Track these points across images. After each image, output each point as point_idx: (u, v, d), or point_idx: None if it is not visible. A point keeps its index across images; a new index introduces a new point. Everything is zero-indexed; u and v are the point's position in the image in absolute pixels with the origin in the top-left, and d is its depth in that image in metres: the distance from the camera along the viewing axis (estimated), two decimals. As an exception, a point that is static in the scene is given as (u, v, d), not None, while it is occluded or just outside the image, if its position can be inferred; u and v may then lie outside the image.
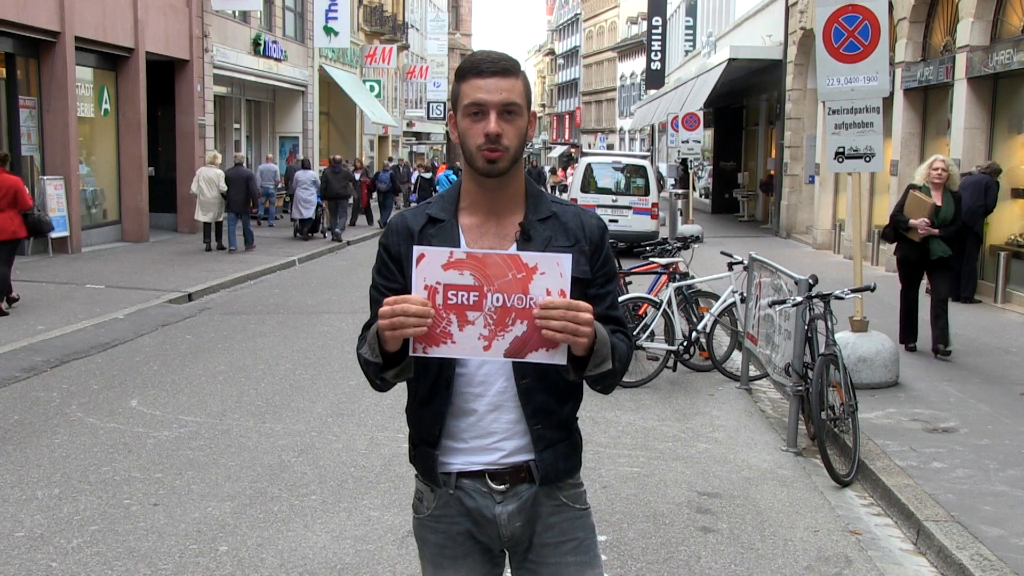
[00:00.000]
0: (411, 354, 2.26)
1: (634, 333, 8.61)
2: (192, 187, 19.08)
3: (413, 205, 2.62)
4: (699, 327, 9.27)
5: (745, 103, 33.41)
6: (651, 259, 10.07)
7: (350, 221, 23.71)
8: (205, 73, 22.92)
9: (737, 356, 9.46)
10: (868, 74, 8.47)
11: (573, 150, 75.11)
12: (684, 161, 26.74)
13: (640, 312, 9.18)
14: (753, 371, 8.95)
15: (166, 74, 21.88)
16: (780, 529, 5.49)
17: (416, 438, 2.54)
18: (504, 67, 2.35)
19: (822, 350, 6.96)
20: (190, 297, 13.60)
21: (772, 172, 27.37)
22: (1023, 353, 10.01)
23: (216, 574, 4.73)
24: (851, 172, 8.89)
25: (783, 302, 7.21)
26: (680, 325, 9.12)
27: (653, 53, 48.11)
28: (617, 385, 2.47)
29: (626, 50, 68.50)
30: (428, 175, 31.18)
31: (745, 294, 9.06)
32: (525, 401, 2.41)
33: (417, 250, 2.23)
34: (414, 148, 55.95)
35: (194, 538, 5.15)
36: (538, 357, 2.24)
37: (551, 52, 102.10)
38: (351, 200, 24.58)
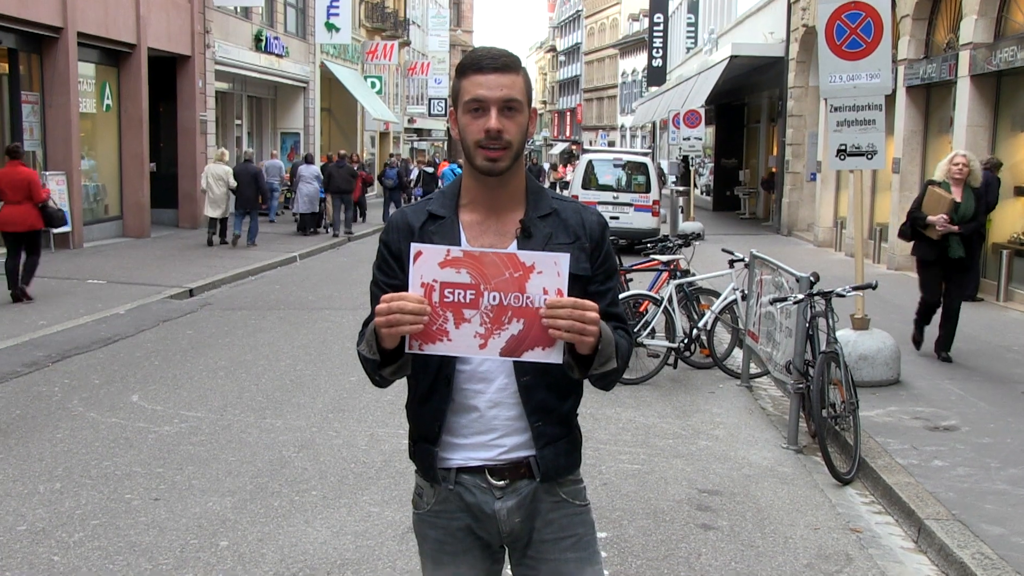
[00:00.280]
0: (407, 351, 2.27)
1: (635, 330, 8.61)
2: (201, 183, 19.23)
3: (417, 200, 2.62)
4: (700, 324, 9.27)
5: (747, 100, 33.40)
6: (652, 256, 10.06)
7: (354, 216, 23.79)
8: (207, 69, 22.92)
9: (738, 353, 9.46)
10: (870, 71, 8.46)
11: (574, 147, 75.10)
12: (685, 158, 26.72)
13: (641, 309, 9.18)
14: (754, 368, 8.95)
15: (168, 70, 21.88)
16: (780, 527, 5.49)
17: (416, 434, 2.54)
18: (505, 63, 2.35)
19: (823, 348, 6.96)
20: (191, 293, 13.61)
21: (773, 169, 27.36)
22: (1024, 351, 10.00)
23: (217, 569, 4.74)
24: (853, 169, 8.88)
25: (784, 299, 7.21)
26: (681, 322, 9.12)
27: (655, 50, 48.08)
28: (618, 382, 2.47)
29: (628, 47, 68.44)
30: (431, 170, 31.21)
31: (746, 291, 9.05)
32: (526, 398, 2.41)
33: (414, 247, 2.23)
34: (415, 144, 55.94)
35: (195, 533, 5.16)
36: (534, 356, 2.25)
37: (552, 49, 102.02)
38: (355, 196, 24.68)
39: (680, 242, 10.24)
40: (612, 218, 19.05)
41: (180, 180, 22.38)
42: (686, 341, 9.15)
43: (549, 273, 2.20)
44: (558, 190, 30.89)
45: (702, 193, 37.48)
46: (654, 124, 45.97)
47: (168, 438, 6.83)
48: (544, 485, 2.48)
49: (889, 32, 8.46)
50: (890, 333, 8.84)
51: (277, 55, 27.69)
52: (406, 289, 2.24)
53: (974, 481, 6.03)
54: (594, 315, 2.20)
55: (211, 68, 23.19)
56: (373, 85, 38.99)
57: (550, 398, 2.43)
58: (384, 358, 2.32)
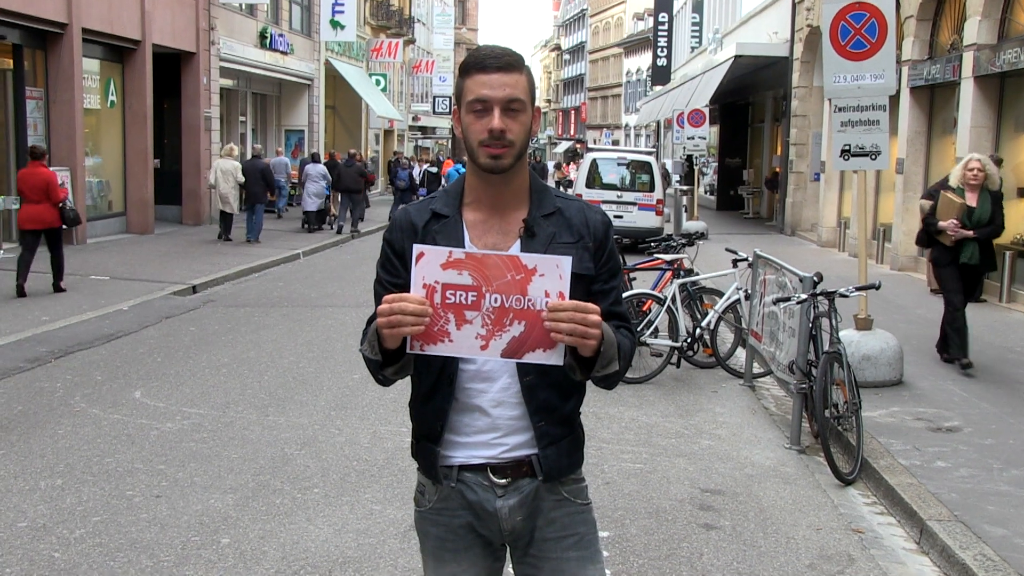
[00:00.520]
0: (408, 351, 2.27)
1: (638, 329, 8.61)
2: (210, 179, 19.50)
3: (420, 199, 2.63)
4: (703, 324, 9.26)
5: (751, 100, 33.36)
6: (656, 255, 10.06)
7: (361, 215, 23.93)
8: (211, 66, 22.93)
9: (741, 353, 9.45)
10: (875, 72, 8.45)
11: (579, 146, 75.07)
12: (689, 158, 26.68)
13: (644, 308, 9.17)
14: (757, 368, 8.94)
15: (172, 66, 21.89)
16: (783, 527, 5.49)
17: (418, 433, 2.54)
18: (507, 62, 2.35)
19: (826, 348, 6.96)
20: (194, 289, 13.62)
21: (777, 169, 27.32)
22: (1028, 353, 9.98)
23: (218, 566, 4.74)
24: (857, 170, 8.87)
25: (787, 299, 7.20)
26: (684, 322, 9.12)
27: (659, 49, 48.01)
28: (620, 381, 2.47)
29: (632, 46, 68.39)
30: (434, 169, 31.20)
31: (749, 291, 9.05)
32: (528, 398, 2.41)
33: (416, 248, 2.23)
34: (419, 142, 55.94)
35: (196, 530, 5.16)
36: (535, 357, 2.25)
37: (557, 48, 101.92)
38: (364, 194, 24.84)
39: (684, 241, 10.23)
40: (616, 217, 19.04)
41: (184, 177, 22.40)
42: (689, 340, 9.14)
43: (551, 276, 2.20)
44: (562, 189, 30.88)
45: (706, 192, 37.41)
46: (658, 123, 45.95)
47: (170, 435, 6.83)
48: (546, 484, 2.48)
49: (893, 33, 8.45)
50: (893, 334, 8.83)
51: (282, 52, 27.69)
52: (409, 288, 2.25)
53: (976, 482, 6.02)
54: (596, 318, 2.20)
55: (216, 65, 23.20)
56: (378, 83, 38.99)
57: (553, 398, 2.43)
58: (386, 358, 2.33)
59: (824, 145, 20.48)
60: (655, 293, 9.28)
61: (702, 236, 10.96)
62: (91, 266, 14.97)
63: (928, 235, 9.01)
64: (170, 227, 21.54)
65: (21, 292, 12.00)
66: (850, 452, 6.62)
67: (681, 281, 9.27)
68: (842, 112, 8.59)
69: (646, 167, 21.00)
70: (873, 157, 8.59)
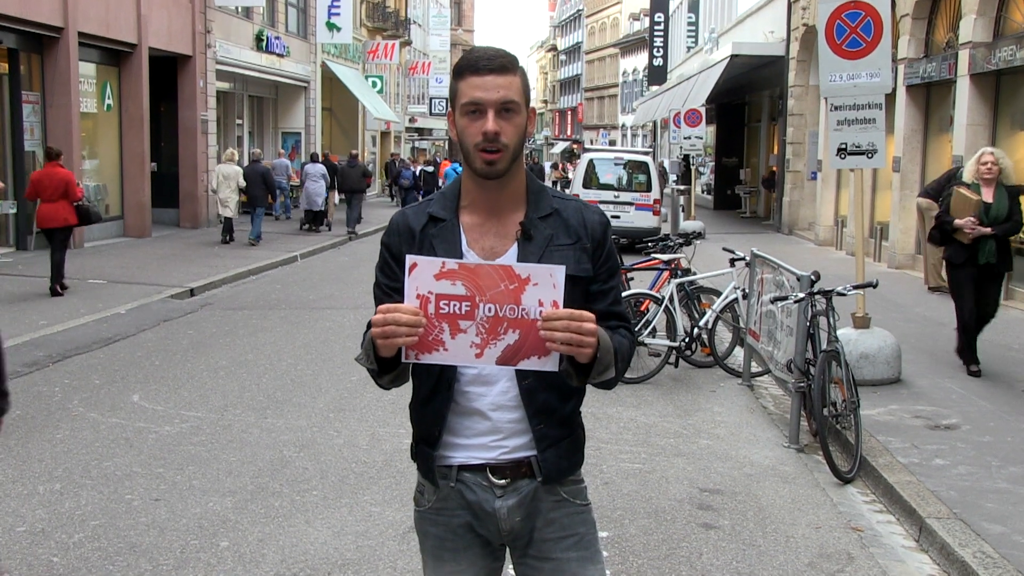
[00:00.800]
0: (404, 360, 2.28)
1: (636, 329, 8.61)
2: (212, 183, 19.78)
3: (418, 201, 2.63)
4: (701, 323, 9.26)
5: (747, 99, 33.38)
6: (653, 255, 10.06)
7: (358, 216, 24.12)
8: (208, 69, 22.91)
9: (739, 352, 9.45)
10: (870, 70, 8.45)
11: (575, 146, 75.07)
12: (686, 157, 26.69)
13: (642, 308, 9.18)
14: (755, 367, 8.95)
15: (169, 69, 21.88)
16: (782, 526, 5.49)
17: (417, 435, 2.55)
18: (501, 64, 2.33)
19: (824, 346, 6.96)
20: (192, 292, 13.62)
21: (774, 168, 27.33)
22: (1025, 350, 9.99)
23: (217, 569, 4.74)
24: (853, 168, 8.87)
25: (785, 298, 7.20)
26: (682, 321, 9.12)
27: (655, 49, 48.06)
28: (619, 382, 2.47)
29: (628, 46, 68.40)
30: (431, 169, 31.23)
31: (747, 290, 9.05)
32: (527, 401, 2.41)
33: (409, 259, 2.23)
34: (416, 144, 55.95)
35: (195, 533, 5.15)
36: (529, 364, 2.26)
37: (553, 48, 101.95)
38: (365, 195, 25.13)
39: (681, 241, 10.24)
40: (613, 217, 19.05)
41: (181, 180, 22.39)
42: (687, 340, 9.15)
43: (544, 285, 2.20)
44: (559, 188, 30.87)
45: (703, 192, 37.42)
46: (655, 123, 45.99)
47: (169, 438, 6.82)
48: (545, 485, 2.48)
49: (889, 31, 8.45)
50: (891, 332, 8.83)
51: (278, 55, 27.68)
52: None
53: (975, 480, 6.03)
54: (591, 326, 2.20)
55: (212, 68, 23.19)
56: (374, 84, 38.99)
57: (552, 400, 2.43)
58: (382, 367, 2.33)
59: (821, 144, 20.49)
60: (653, 293, 9.28)
61: (699, 236, 10.96)
62: (88, 270, 14.96)
63: (943, 233, 8.66)
64: (167, 230, 21.52)
65: (55, 291, 12.44)
66: (849, 450, 6.62)
67: (679, 281, 9.27)
68: (838, 111, 8.59)
69: (643, 167, 21.02)
70: (869, 156, 8.60)
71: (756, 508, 5.75)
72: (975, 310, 8.61)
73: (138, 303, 12.34)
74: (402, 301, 2.24)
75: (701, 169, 34.50)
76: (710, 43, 33.67)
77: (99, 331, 10.59)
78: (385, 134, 45.52)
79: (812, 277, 7.12)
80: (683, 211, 23.76)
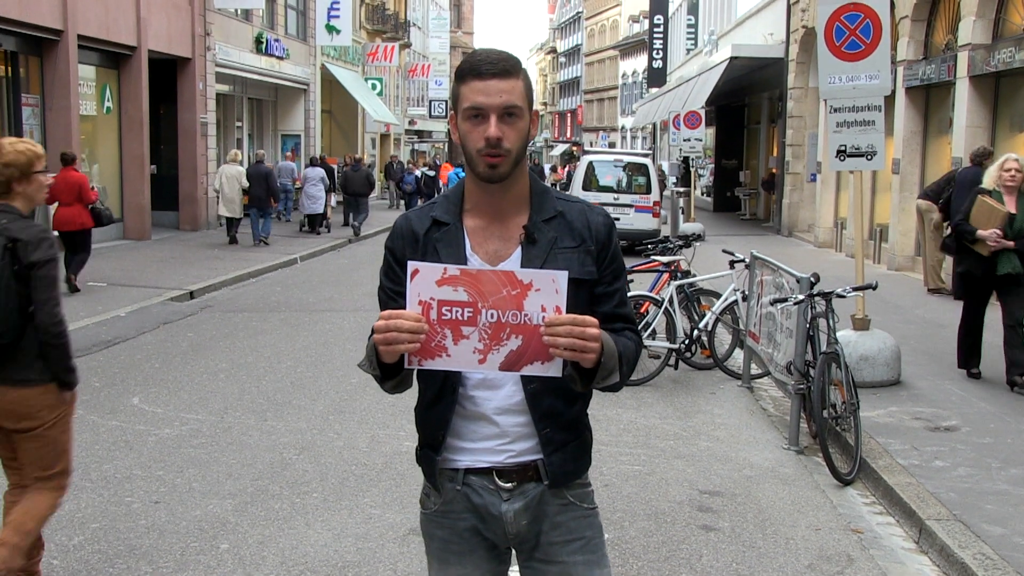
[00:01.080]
0: (406, 367, 2.28)
1: (636, 331, 8.60)
2: (215, 184, 19.95)
3: (419, 205, 2.63)
4: (701, 325, 9.27)
5: (747, 101, 33.40)
6: (653, 257, 10.06)
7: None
8: (207, 71, 22.91)
9: (739, 354, 9.45)
10: (870, 72, 8.46)
11: (575, 148, 75.09)
12: (686, 159, 26.73)
13: (642, 310, 9.17)
14: (755, 369, 8.95)
15: (168, 72, 21.87)
16: (782, 528, 5.49)
17: (421, 439, 2.55)
18: (504, 68, 2.31)
19: (824, 348, 6.96)
20: (192, 295, 13.61)
21: (774, 170, 27.35)
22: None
23: (217, 572, 4.74)
24: (853, 170, 8.87)
25: (785, 300, 7.21)
26: (682, 323, 9.12)
27: (655, 51, 48.10)
28: (625, 384, 2.48)
29: (628, 48, 68.45)
30: (432, 172, 31.25)
31: (747, 292, 9.05)
32: (533, 405, 2.40)
33: (411, 266, 2.23)
34: (416, 146, 55.97)
35: (195, 536, 5.15)
36: (533, 370, 2.25)
37: (553, 50, 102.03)
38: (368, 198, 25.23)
39: (681, 243, 10.24)
40: (613, 219, 19.05)
41: (181, 182, 22.39)
42: (687, 342, 9.15)
43: (547, 291, 2.20)
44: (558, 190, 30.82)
45: (702, 194, 37.46)
46: (654, 125, 46.02)
47: (168, 441, 6.82)
48: (551, 488, 2.48)
49: (888, 33, 8.46)
50: (891, 334, 8.83)
51: (278, 57, 27.68)
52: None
53: (975, 481, 6.03)
54: (594, 331, 2.19)
55: (212, 70, 23.19)
56: (374, 87, 39.00)
57: (558, 404, 2.42)
58: (385, 373, 2.33)
59: (820, 146, 20.49)
60: (652, 295, 9.28)
61: (699, 238, 10.98)
62: (88, 272, 14.92)
63: (958, 243, 8.26)
64: (167, 232, 21.51)
65: (74, 289, 12.83)
66: (848, 452, 6.62)
67: (678, 283, 9.28)
68: (838, 113, 8.60)
69: (642, 169, 21.03)
70: (869, 158, 8.60)
71: (756, 510, 5.75)
72: (1004, 319, 8.25)
73: (138, 306, 12.34)
74: (406, 305, 2.24)
75: (701, 171, 34.56)
76: (709, 45, 33.69)
77: (99, 334, 10.59)
78: (385, 136, 45.52)
79: (812, 279, 7.12)
80: (683, 213, 23.77)
